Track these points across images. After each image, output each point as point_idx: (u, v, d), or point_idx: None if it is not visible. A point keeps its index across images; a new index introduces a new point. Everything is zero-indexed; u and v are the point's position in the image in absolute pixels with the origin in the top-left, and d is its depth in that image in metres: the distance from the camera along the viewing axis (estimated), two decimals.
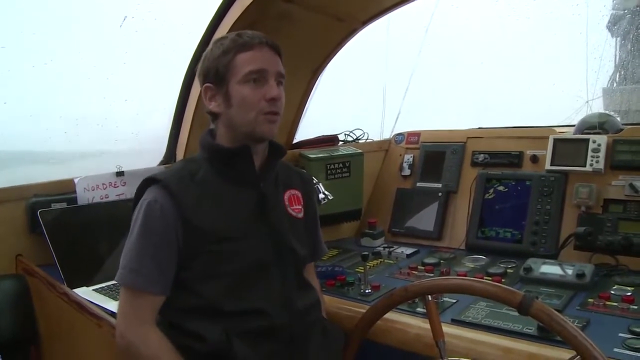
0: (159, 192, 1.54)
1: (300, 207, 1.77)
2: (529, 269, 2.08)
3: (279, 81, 1.61)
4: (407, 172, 2.93)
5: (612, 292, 1.91)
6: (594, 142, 2.39)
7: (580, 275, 1.99)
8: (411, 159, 2.94)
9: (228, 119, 1.61)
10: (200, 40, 2.48)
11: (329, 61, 2.83)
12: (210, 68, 1.61)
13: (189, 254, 1.53)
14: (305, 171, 2.06)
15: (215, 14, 2.39)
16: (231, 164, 1.63)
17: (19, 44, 2.43)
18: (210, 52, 1.63)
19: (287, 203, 1.74)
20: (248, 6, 2.24)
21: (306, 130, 3.07)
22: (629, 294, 1.86)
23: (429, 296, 1.63)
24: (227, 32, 2.20)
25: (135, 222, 1.54)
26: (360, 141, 3.09)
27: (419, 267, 2.31)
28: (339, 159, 2.73)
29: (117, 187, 2.42)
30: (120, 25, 2.54)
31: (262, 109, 1.57)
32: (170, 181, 1.55)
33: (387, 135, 3.29)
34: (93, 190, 2.35)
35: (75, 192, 2.30)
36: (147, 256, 1.51)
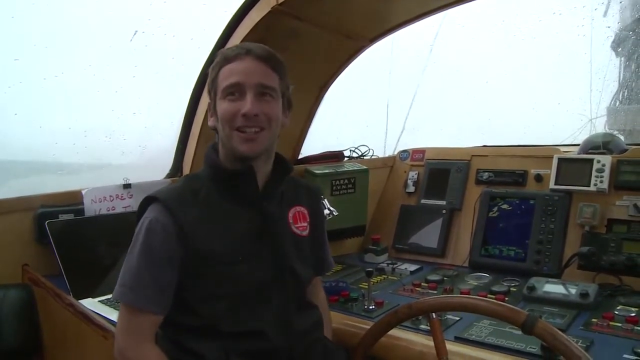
0: (160, 211, 1.51)
1: (305, 224, 1.73)
2: (532, 288, 2.08)
3: (262, 92, 1.53)
4: (411, 188, 2.94)
5: (616, 312, 1.90)
6: (599, 162, 2.40)
7: (583, 295, 1.98)
8: (416, 176, 2.96)
9: (219, 135, 1.59)
10: (209, 56, 2.50)
11: (335, 78, 2.85)
12: (207, 84, 1.62)
13: (188, 274, 1.51)
14: (312, 184, 1.99)
15: (225, 29, 2.41)
16: (234, 184, 1.59)
17: (32, 57, 2.47)
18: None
19: (291, 221, 1.69)
20: (257, 23, 2.26)
21: (306, 144, 3.06)
22: (633, 314, 1.86)
23: (433, 314, 1.63)
24: None
25: (136, 240, 1.51)
26: (365, 157, 3.10)
27: (422, 283, 2.30)
28: (345, 175, 2.73)
29: (124, 199, 2.44)
30: (131, 40, 2.58)
31: (235, 124, 1.51)
32: (171, 201, 1.52)
33: (390, 150, 3.31)
34: (100, 202, 2.37)
35: (82, 203, 2.33)
36: (147, 275, 1.48)
